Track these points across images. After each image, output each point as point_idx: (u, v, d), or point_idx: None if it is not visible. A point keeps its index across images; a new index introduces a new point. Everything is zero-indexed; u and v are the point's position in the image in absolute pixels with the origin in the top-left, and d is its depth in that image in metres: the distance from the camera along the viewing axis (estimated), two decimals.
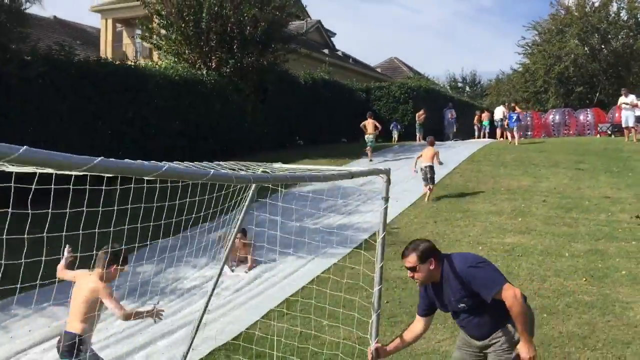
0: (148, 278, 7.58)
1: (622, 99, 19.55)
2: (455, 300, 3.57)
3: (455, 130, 26.93)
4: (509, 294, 3.34)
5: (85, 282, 4.13)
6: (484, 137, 26.41)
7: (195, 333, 4.90)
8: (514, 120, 21.30)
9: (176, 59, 17.69)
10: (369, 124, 17.63)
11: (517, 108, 22.34)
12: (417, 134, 24.80)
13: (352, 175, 3.80)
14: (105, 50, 29.05)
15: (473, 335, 3.65)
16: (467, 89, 68.26)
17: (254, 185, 4.43)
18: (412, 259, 3.62)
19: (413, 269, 3.63)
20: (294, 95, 21.15)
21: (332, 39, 43.09)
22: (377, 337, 3.99)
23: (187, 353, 4.88)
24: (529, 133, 28.02)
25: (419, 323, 3.91)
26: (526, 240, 9.11)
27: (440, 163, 12.41)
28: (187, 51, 17.44)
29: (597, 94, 37.35)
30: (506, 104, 25.54)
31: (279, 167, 4.50)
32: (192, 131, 16.21)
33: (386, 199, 4.16)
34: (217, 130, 17.31)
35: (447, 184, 13.88)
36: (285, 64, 20.03)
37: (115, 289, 4.85)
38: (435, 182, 12.52)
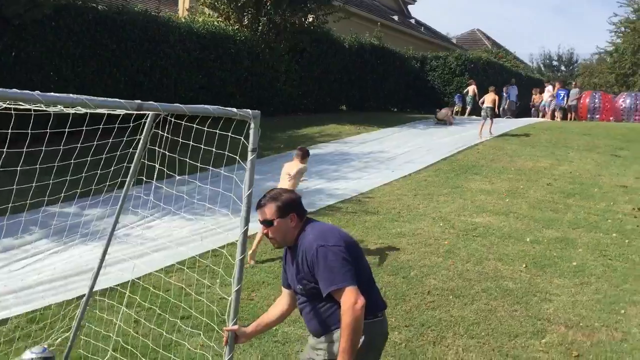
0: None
1: None
2: (296, 278, 2.87)
3: (514, 109, 25.39)
4: (348, 300, 2.63)
5: None
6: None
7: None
8: (561, 98, 20.01)
9: (212, 13, 17.68)
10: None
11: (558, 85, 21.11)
12: (467, 107, 23.74)
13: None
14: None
15: (308, 327, 2.97)
16: (563, 68, 64.82)
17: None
18: (269, 210, 2.90)
19: (268, 223, 2.90)
20: (336, 59, 20.70)
21: (409, 6, 41.86)
22: (235, 317, 3.06)
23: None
24: (597, 116, 26.18)
25: (283, 297, 3.16)
26: (496, 221, 8.52)
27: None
28: (222, 6, 17.37)
29: None
30: (552, 82, 23.91)
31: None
32: (216, 86, 16.25)
33: (252, 150, 3.26)
34: (245, 87, 17.27)
35: (459, 159, 13.21)
36: (326, 25, 19.55)
37: None
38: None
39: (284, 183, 6.71)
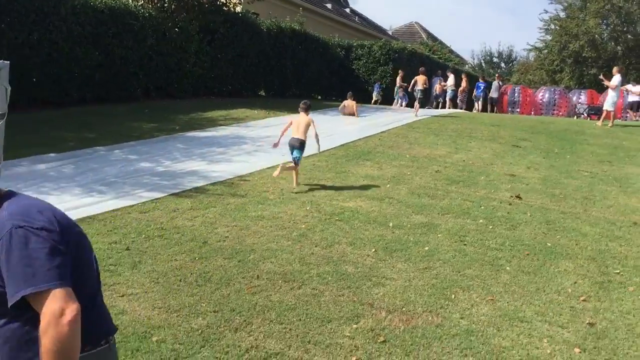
0: None
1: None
2: None
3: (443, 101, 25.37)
4: (51, 309, 1.70)
5: None
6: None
7: None
8: (480, 90, 20.12)
9: None
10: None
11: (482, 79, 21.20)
12: (397, 100, 23.62)
13: None
14: None
15: None
16: (503, 64, 66.20)
17: None
18: None
19: None
20: (253, 42, 20.16)
21: None
22: None
23: None
24: (517, 110, 26.58)
25: None
26: (368, 206, 8.22)
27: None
28: None
29: None
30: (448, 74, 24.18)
31: None
32: (116, 64, 15.45)
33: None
34: (149, 67, 16.53)
35: (358, 145, 12.94)
36: (245, 7, 18.98)
37: None
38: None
39: (299, 134, 9.06)
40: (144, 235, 6.37)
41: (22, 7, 13.02)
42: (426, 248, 6.70)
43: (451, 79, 23.46)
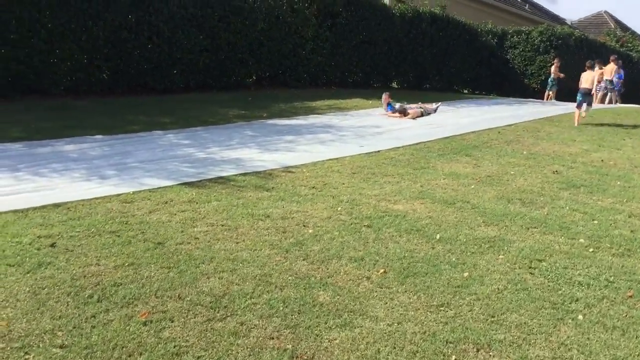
0: None
1: None
2: None
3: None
4: None
5: None
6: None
7: None
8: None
9: None
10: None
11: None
12: (548, 91, 20.37)
13: None
14: None
15: None
16: None
17: None
18: None
19: None
20: (382, 28, 18.34)
21: None
22: None
23: None
24: None
25: None
26: (424, 210, 6.17)
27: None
28: None
29: None
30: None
31: None
32: (223, 50, 14.65)
33: None
34: (260, 53, 15.52)
35: (466, 138, 10.66)
36: None
37: None
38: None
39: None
40: (93, 230, 5.02)
41: None
42: (465, 274, 4.52)
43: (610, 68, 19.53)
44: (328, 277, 4.38)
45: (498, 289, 4.32)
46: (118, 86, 13.24)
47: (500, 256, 5.00)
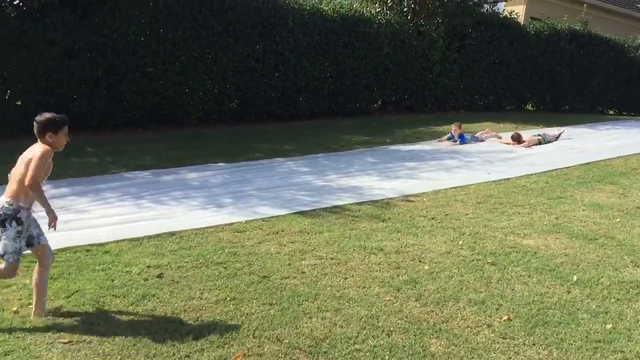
0: None
1: None
2: None
3: None
4: None
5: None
6: None
7: None
8: None
9: None
10: None
11: None
12: None
13: None
14: None
15: None
16: None
17: None
18: None
19: None
20: (514, 48, 17.39)
21: None
22: None
23: None
24: None
25: None
26: (559, 247, 5.50)
27: None
28: None
29: None
30: None
31: None
32: (347, 76, 14.60)
33: None
34: (385, 78, 15.29)
35: (613, 164, 9.64)
36: (501, 6, 16.50)
37: None
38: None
39: None
40: (201, 260, 4.94)
41: (249, 19, 12.97)
42: (608, 326, 3.85)
43: None
44: (442, 323, 3.89)
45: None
46: (246, 114, 13.56)
47: None
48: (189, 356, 3.42)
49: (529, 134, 11.69)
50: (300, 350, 3.50)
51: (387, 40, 14.99)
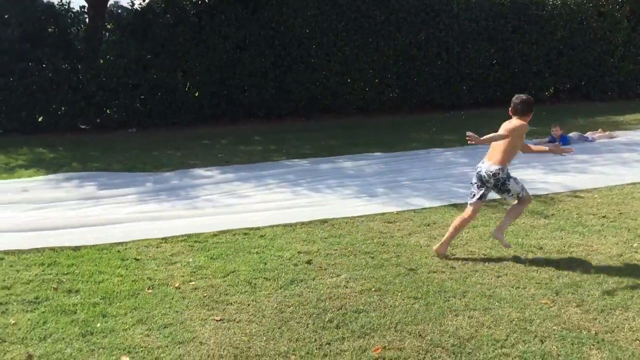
0: None
1: None
2: None
3: None
4: None
5: None
6: None
7: None
8: None
9: None
10: None
11: None
12: None
13: None
14: None
15: None
16: None
17: None
18: None
19: None
20: None
21: None
22: None
23: None
24: None
25: None
26: None
27: None
28: None
29: None
30: None
31: None
32: (515, 62, 13.87)
33: None
34: (558, 64, 14.26)
35: None
36: None
37: None
38: None
39: None
40: (350, 249, 4.99)
41: (412, 6, 12.81)
42: None
43: None
44: (606, 333, 3.52)
45: None
46: (406, 104, 13.44)
47: None
48: (329, 343, 3.43)
49: None
50: (443, 348, 3.36)
51: (562, 23, 13.91)
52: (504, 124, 4.70)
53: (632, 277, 4.33)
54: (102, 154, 9.29)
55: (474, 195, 4.76)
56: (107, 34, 11.94)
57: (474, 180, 4.76)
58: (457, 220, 4.80)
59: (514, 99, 4.73)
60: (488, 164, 4.65)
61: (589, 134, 9.88)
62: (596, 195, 6.60)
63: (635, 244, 5.00)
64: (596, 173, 7.60)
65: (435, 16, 13.02)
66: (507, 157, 4.59)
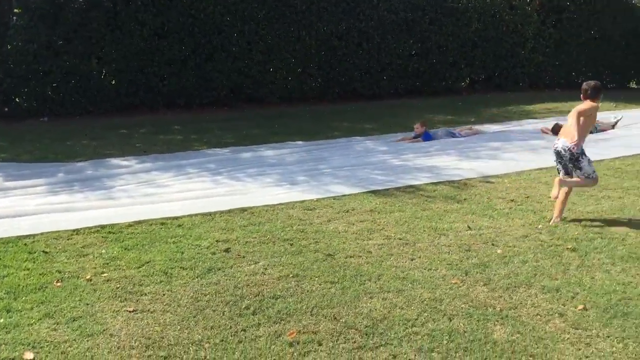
0: None
1: None
2: None
3: None
4: None
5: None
6: None
7: None
8: None
9: None
10: None
11: None
12: None
13: None
14: None
15: None
16: None
17: None
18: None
19: None
20: (619, 22, 16.22)
21: None
22: None
23: None
24: None
25: None
26: None
27: None
28: None
29: None
30: None
31: None
32: (433, 53, 14.22)
33: None
34: (473, 56, 14.75)
35: None
36: None
37: None
38: None
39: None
40: (268, 236, 4.99)
41: None
42: None
43: None
44: (510, 309, 3.70)
45: None
46: (328, 93, 13.54)
47: None
48: (245, 330, 3.43)
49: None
50: (356, 330, 3.43)
51: (477, 15, 14.40)
52: (576, 107, 5.20)
53: (536, 256, 4.56)
54: (10, 144, 8.84)
55: (559, 171, 5.44)
56: (14, 18, 11.33)
57: (554, 158, 5.42)
58: (560, 196, 5.32)
59: (583, 85, 5.34)
60: (564, 141, 5.22)
61: (457, 130, 9.78)
62: (506, 181, 6.90)
63: (540, 226, 5.27)
64: (507, 159, 7.94)
65: (356, 6, 13.17)
66: (581, 135, 5.08)
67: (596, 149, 8.47)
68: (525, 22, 15.08)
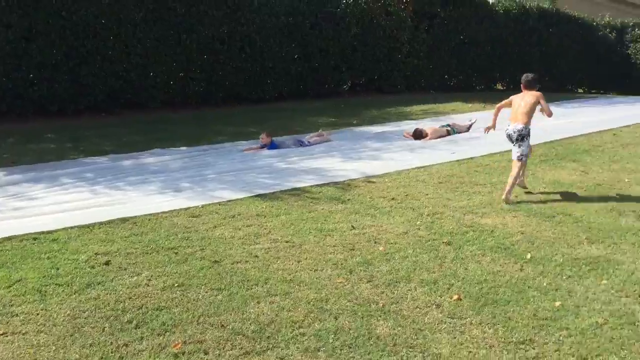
0: None
1: None
2: None
3: None
4: None
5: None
6: None
7: None
8: None
9: None
10: None
11: None
12: None
13: None
14: None
15: None
16: None
17: None
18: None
19: None
20: (484, 28, 17.37)
21: None
22: None
23: None
24: None
25: None
26: (516, 225, 5.51)
27: None
28: None
29: None
30: None
31: None
32: (315, 56, 14.45)
33: None
34: (353, 59, 15.16)
35: (575, 142, 9.66)
36: None
37: None
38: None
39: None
40: (152, 246, 4.83)
41: (213, 0, 12.72)
42: (556, 303, 3.86)
43: None
44: (392, 304, 3.85)
45: (597, 322, 3.59)
46: (212, 98, 13.37)
47: (604, 281, 4.22)
48: (127, 345, 3.31)
49: (437, 125, 10.86)
50: (244, 335, 3.42)
51: (355, 21, 14.83)
52: (517, 96, 6.31)
53: (415, 251, 4.78)
54: None
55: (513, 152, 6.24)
56: None
57: (508, 140, 6.26)
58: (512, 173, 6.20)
59: (526, 77, 6.28)
60: (514, 125, 6.12)
61: (306, 138, 9.51)
62: (387, 180, 7.17)
63: (418, 222, 5.53)
64: (387, 159, 8.25)
65: (237, 10, 13.11)
66: (528, 118, 6.07)
67: (468, 147, 9.03)
68: (401, 27, 15.74)
